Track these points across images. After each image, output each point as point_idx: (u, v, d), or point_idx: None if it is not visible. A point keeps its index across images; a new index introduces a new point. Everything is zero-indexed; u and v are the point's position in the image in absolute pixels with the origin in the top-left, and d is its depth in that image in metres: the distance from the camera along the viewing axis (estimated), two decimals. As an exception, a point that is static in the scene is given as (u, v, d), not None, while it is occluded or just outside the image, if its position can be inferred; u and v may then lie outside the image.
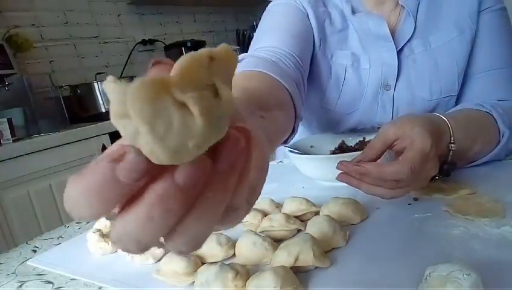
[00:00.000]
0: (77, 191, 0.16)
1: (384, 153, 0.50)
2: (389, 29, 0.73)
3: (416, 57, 0.73)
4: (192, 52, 0.15)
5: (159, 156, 0.15)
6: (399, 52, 0.73)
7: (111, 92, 0.15)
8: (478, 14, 0.71)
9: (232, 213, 0.19)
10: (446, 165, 0.54)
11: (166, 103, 0.15)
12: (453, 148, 0.54)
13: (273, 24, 0.75)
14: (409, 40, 0.73)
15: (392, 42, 0.72)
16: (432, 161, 0.48)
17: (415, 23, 0.73)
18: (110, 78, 0.16)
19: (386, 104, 0.75)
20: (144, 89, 0.14)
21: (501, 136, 0.60)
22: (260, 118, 0.34)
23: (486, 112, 0.61)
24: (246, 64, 0.55)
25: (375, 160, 0.50)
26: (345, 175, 0.49)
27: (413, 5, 0.73)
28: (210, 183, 0.17)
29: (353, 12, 0.75)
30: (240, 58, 0.58)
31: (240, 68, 0.52)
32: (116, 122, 0.16)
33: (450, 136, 0.53)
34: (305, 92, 0.67)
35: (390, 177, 0.45)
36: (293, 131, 0.51)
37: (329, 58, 0.76)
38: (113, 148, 0.16)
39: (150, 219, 0.16)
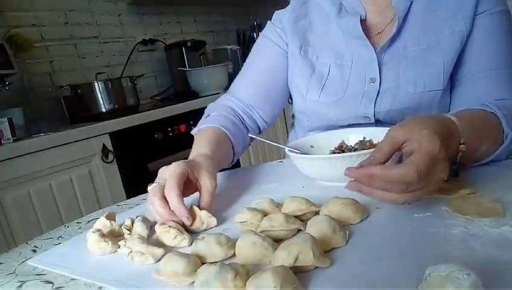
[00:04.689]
0: None
1: (396, 155, 0.50)
2: (380, 25, 0.80)
3: (407, 54, 0.76)
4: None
5: None
6: (388, 48, 0.77)
7: None
8: (474, 15, 0.72)
9: None
10: (455, 165, 0.54)
11: None
12: (462, 149, 0.53)
13: (249, 68, 0.94)
14: (399, 37, 0.77)
15: (367, 40, 0.78)
16: (441, 163, 0.46)
17: (405, 21, 0.77)
18: None
19: (370, 94, 0.78)
20: None
21: (505, 137, 0.60)
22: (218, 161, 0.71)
23: (491, 112, 0.61)
24: (213, 119, 0.84)
25: (383, 163, 0.48)
26: (355, 183, 0.47)
27: (403, 4, 0.77)
28: None
29: (339, 11, 0.83)
30: (207, 113, 0.89)
31: (209, 121, 0.84)
32: None
33: (459, 137, 0.53)
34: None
35: (396, 179, 0.44)
36: (232, 161, 0.84)
37: (314, 59, 0.84)
38: None
39: None
